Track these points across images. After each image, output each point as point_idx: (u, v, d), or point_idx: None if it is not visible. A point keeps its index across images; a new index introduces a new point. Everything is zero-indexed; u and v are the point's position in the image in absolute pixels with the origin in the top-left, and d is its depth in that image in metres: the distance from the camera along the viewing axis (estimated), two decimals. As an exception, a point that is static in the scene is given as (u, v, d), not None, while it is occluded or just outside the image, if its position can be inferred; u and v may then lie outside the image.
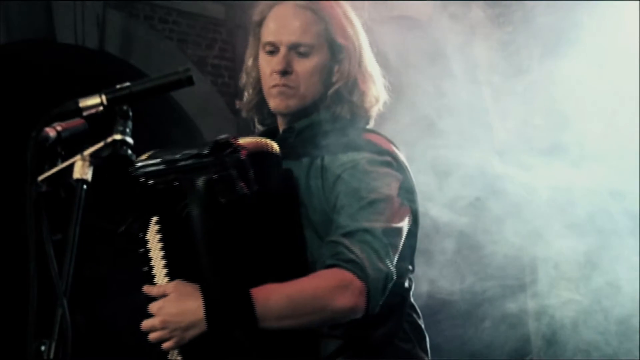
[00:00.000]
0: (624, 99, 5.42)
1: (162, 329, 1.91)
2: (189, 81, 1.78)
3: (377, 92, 2.17)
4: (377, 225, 1.95)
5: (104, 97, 1.73)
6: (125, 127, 1.74)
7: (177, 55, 7.80)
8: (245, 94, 2.24)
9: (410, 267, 2.13)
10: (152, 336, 1.93)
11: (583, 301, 5.60)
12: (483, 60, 6.41)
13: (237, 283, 1.87)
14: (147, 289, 1.96)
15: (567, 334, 5.97)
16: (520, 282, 6.19)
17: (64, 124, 1.74)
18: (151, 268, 1.96)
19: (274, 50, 2.11)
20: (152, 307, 1.93)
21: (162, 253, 1.94)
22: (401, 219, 2.02)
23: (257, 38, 2.17)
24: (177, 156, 1.93)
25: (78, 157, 1.71)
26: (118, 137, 1.73)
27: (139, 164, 1.93)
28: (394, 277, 1.96)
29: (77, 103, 1.72)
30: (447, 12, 6.54)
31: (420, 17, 6.67)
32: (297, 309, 1.90)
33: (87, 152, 1.71)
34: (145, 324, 1.94)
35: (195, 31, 7.99)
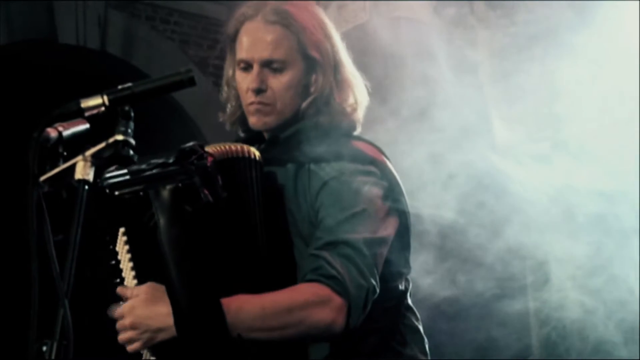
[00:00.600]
0: (624, 99, 5.42)
1: (132, 329, 1.90)
2: (191, 82, 1.79)
3: (355, 98, 2.14)
4: (359, 237, 1.93)
5: (105, 98, 1.73)
6: (127, 127, 1.74)
7: (179, 56, 7.81)
8: (228, 106, 2.21)
9: (404, 270, 2.11)
10: (122, 337, 1.92)
11: (586, 301, 5.59)
12: (484, 61, 6.41)
13: (207, 291, 1.86)
14: (120, 290, 1.94)
15: (570, 334, 5.96)
16: (522, 282, 6.19)
17: (65, 124, 1.74)
18: (122, 280, 1.95)
19: (247, 67, 2.10)
20: (124, 307, 1.91)
21: (130, 264, 1.93)
22: (386, 229, 2.00)
23: (233, 53, 2.15)
24: (143, 166, 1.92)
25: (80, 157, 1.71)
26: (120, 137, 1.73)
27: (106, 175, 1.92)
28: (377, 290, 1.94)
29: (79, 103, 1.73)
30: (448, 13, 6.54)
31: (421, 18, 6.67)
32: (270, 321, 1.87)
33: (88, 153, 1.71)
34: (117, 326, 1.93)
35: (197, 32, 8.00)
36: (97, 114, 1.73)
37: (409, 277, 2.14)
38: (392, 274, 2.03)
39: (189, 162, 1.90)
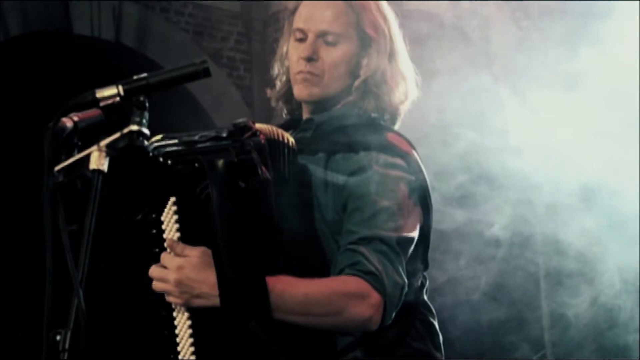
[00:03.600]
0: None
1: (174, 286, 1.88)
2: (206, 73, 1.79)
3: (406, 89, 2.14)
4: (392, 234, 1.94)
5: (120, 88, 1.74)
6: (141, 118, 1.74)
7: (193, 48, 7.82)
8: (277, 82, 2.24)
9: (422, 266, 2.13)
10: (159, 286, 1.91)
11: (595, 297, 5.58)
12: (499, 55, 6.40)
13: (253, 268, 1.86)
14: (170, 242, 1.90)
15: (581, 331, 5.95)
16: (535, 278, 6.18)
17: (80, 114, 1.76)
18: (163, 249, 1.93)
19: (303, 37, 2.11)
20: (172, 261, 1.89)
21: (177, 234, 1.92)
22: (413, 227, 2.02)
23: (290, 24, 2.17)
24: (195, 138, 1.92)
25: (94, 147, 1.72)
26: (134, 128, 1.74)
27: (155, 145, 1.91)
28: (407, 288, 1.96)
29: (94, 94, 1.73)
30: (462, 6, 6.52)
31: (435, 11, 6.66)
32: (311, 308, 1.89)
33: (103, 143, 1.72)
34: (158, 272, 1.91)
35: (211, 24, 8.01)
36: (112, 104, 1.74)
37: (425, 273, 2.15)
38: (410, 270, 2.03)
39: (244, 137, 1.90)
